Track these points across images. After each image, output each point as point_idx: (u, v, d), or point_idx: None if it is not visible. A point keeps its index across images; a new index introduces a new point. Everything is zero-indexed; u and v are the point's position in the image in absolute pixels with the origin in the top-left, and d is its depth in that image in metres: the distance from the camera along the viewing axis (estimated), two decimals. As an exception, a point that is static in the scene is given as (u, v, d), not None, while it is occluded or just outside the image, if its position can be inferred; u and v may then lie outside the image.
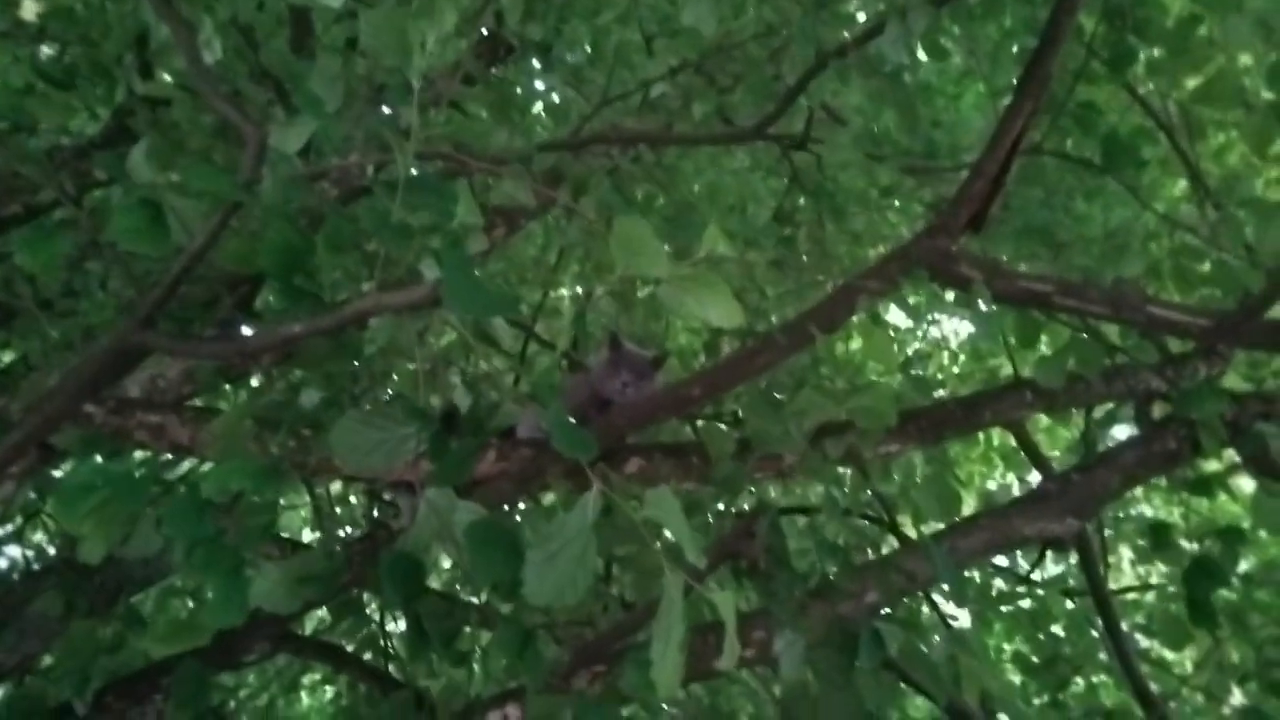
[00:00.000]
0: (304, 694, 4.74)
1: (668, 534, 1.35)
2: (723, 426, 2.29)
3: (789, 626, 1.72)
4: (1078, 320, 2.65)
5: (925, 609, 3.25)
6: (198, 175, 1.52)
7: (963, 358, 6.37)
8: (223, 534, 1.29)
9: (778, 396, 2.42)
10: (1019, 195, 2.68)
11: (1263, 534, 3.39)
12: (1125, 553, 4.62)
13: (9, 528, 2.68)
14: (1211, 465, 2.44)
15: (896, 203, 3.25)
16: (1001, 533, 2.45)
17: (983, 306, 2.10)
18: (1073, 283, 2.38)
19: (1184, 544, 2.43)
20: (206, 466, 2.77)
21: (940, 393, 5.39)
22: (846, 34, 2.53)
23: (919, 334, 5.78)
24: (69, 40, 2.22)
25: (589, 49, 3.71)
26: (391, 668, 3.11)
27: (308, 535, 4.57)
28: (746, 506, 2.31)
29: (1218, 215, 2.43)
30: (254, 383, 2.25)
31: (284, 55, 1.93)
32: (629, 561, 2.15)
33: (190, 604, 2.44)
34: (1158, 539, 2.32)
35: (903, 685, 2.15)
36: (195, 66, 1.76)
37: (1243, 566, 2.81)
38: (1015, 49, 2.99)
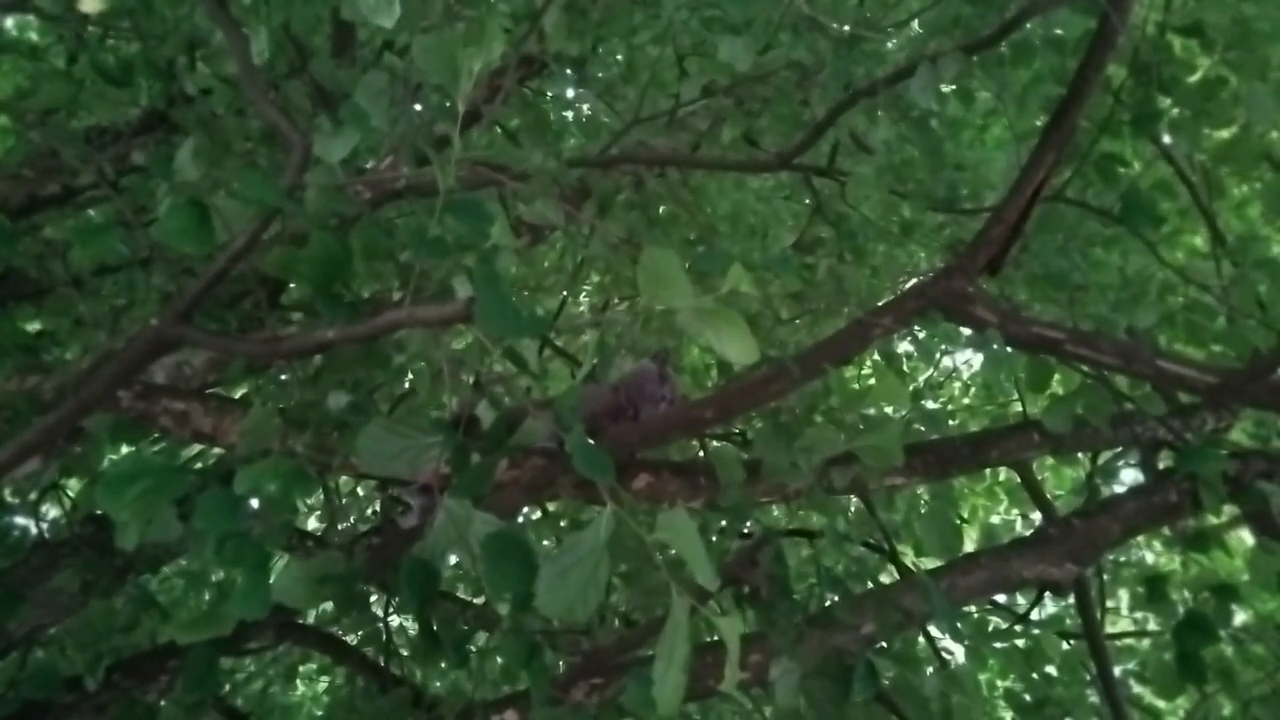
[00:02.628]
0: (300, 682, 4.79)
1: (674, 554, 1.40)
2: (732, 448, 2.33)
3: (786, 654, 1.76)
4: (1088, 367, 2.69)
5: (922, 641, 3.28)
6: (245, 181, 1.58)
7: (974, 389, 6.39)
8: (250, 529, 1.34)
9: (786, 423, 2.46)
10: (1038, 241, 2.72)
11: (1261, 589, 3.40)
12: (1125, 595, 4.64)
13: (30, 498, 2.74)
14: (1218, 517, 2.47)
15: (916, 239, 3.29)
16: (1001, 573, 2.49)
17: (995, 349, 2.14)
18: (1085, 332, 2.43)
19: (1180, 595, 2.46)
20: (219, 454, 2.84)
21: (950, 423, 5.43)
22: (878, 72, 2.58)
23: (932, 364, 5.81)
24: (127, 38, 2.30)
25: (623, 66, 3.77)
26: (390, 664, 3.17)
27: (312, 523, 4.63)
28: (750, 531, 2.36)
29: (1233, 274, 2.47)
30: (282, 377, 2.31)
31: (331, 66, 2.00)
32: (632, 578, 2.19)
33: (209, 593, 2.51)
34: (1152, 590, 2.35)
35: (894, 718, 2.19)
36: (246, 72, 1.82)
37: (1240, 619, 2.84)
38: (1043, 94, 3.04)
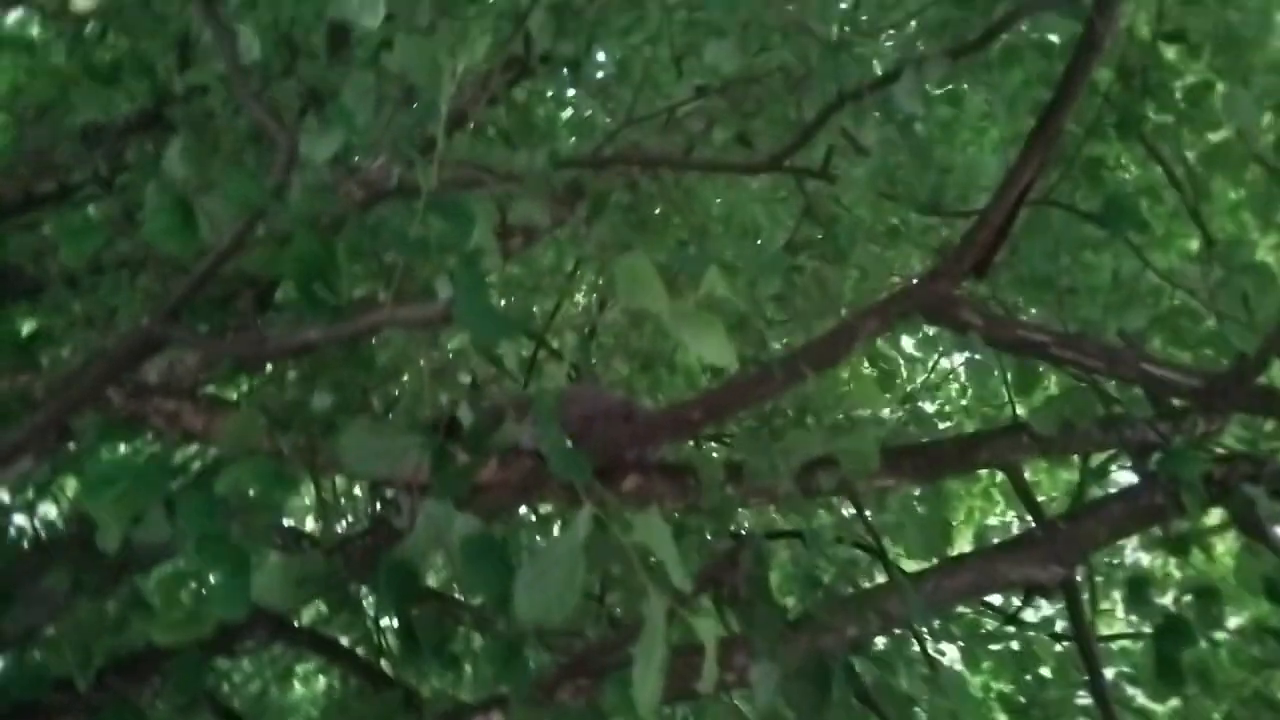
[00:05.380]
0: (297, 683, 4.80)
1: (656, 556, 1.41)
2: (714, 455, 2.34)
3: (766, 656, 1.77)
4: (1074, 369, 2.70)
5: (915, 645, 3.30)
6: (231, 179, 1.59)
7: (970, 391, 6.40)
8: (230, 529, 1.35)
9: (776, 425, 2.47)
10: (1026, 244, 2.73)
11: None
12: (1119, 597, 4.65)
13: (24, 497, 2.76)
14: (1198, 521, 2.48)
15: (904, 241, 3.30)
16: (986, 575, 2.49)
17: (977, 355, 2.15)
18: (1070, 335, 2.44)
19: (1164, 599, 2.47)
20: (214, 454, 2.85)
21: (946, 425, 5.43)
22: (866, 75, 2.60)
23: (928, 365, 5.81)
24: (115, 34, 2.31)
25: (616, 66, 3.79)
26: (384, 664, 3.18)
27: (310, 523, 4.64)
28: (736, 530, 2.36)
29: (1219, 277, 2.48)
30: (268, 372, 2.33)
31: (322, 66, 2.01)
32: (619, 580, 2.20)
33: (194, 591, 2.51)
34: (1133, 592, 2.36)
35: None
36: (234, 72, 1.84)
37: (1235, 622, 2.84)
38: (1031, 98, 3.05)
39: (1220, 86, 2.40)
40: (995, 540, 5.59)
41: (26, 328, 2.93)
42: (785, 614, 2.00)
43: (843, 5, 2.87)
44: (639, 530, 1.33)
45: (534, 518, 3.61)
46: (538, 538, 3.43)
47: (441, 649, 1.60)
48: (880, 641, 2.65)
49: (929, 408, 5.76)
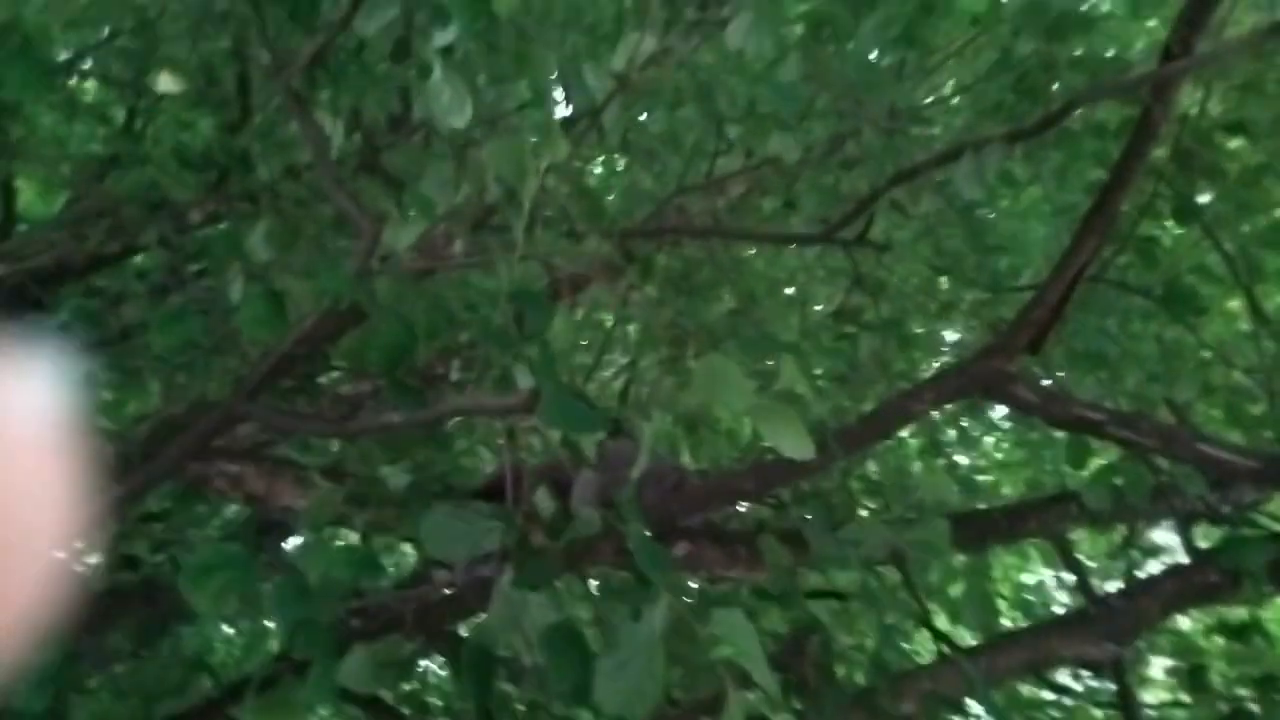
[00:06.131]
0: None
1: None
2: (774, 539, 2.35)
3: (834, 743, 1.79)
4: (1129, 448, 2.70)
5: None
6: (321, 271, 1.66)
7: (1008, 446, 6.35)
8: (320, 615, 1.40)
9: (832, 502, 2.50)
10: (1076, 319, 2.76)
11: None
12: (1159, 660, 4.59)
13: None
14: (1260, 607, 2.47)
15: (956, 315, 3.33)
16: (1040, 652, 2.49)
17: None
18: (1126, 414, 2.45)
19: (1221, 680, 2.46)
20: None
21: (981, 478, 5.38)
22: (921, 152, 2.65)
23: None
24: (206, 121, 2.42)
25: (665, 133, 3.87)
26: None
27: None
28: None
29: (1274, 354, 2.49)
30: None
31: (404, 158, 2.09)
32: (677, 657, 2.22)
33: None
34: (1194, 680, 2.35)
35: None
36: (323, 163, 1.91)
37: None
38: (1080, 170, 3.09)
39: (1275, 167, 2.43)
40: (1034, 600, 5.54)
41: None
42: (846, 694, 2.01)
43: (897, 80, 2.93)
44: (718, 625, 1.36)
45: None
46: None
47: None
48: None
49: (963, 460, 5.72)
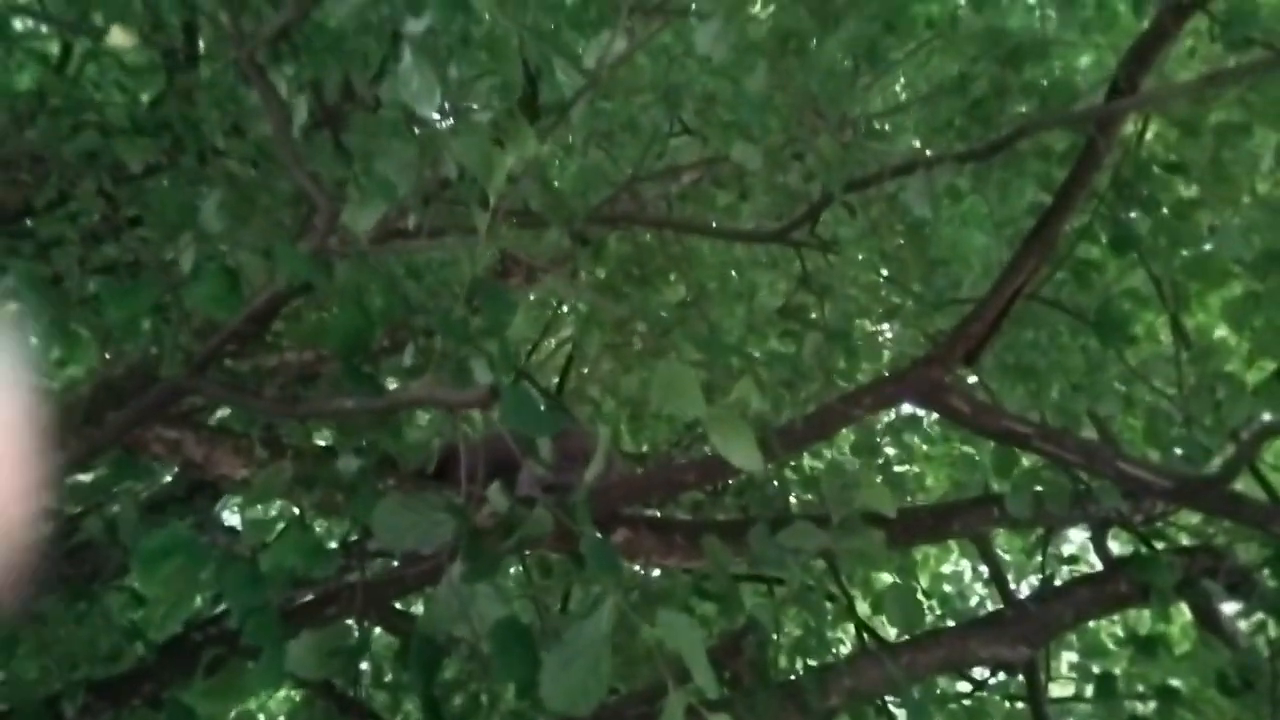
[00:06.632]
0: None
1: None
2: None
3: (763, 738, 1.86)
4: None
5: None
6: (281, 252, 1.65)
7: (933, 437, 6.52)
8: (272, 601, 1.41)
9: (765, 493, 2.56)
10: (1010, 333, 2.86)
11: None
12: (1067, 656, 4.81)
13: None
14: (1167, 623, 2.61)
15: (898, 321, 3.42)
16: (958, 652, 2.61)
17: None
18: (1053, 430, 2.56)
19: (1127, 687, 2.59)
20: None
21: (903, 468, 5.52)
22: (875, 163, 2.71)
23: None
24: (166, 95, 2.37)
25: (624, 118, 3.87)
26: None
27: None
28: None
29: (1192, 384, 2.62)
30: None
31: (364, 134, 2.07)
32: (617, 648, 2.27)
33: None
34: (1101, 688, 2.49)
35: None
36: (282, 138, 1.89)
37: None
38: (1022, 188, 3.19)
39: (1205, 208, 2.55)
40: (953, 592, 5.71)
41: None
42: (778, 692, 2.08)
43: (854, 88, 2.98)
44: (664, 629, 1.41)
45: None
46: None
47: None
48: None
49: (890, 450, 5.86)
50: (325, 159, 2.04)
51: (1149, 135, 2.53)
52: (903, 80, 3.85)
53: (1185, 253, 2.61)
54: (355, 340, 1.69)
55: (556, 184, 3.73)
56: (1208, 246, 2.54)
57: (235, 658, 1.86)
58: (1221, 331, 3.46)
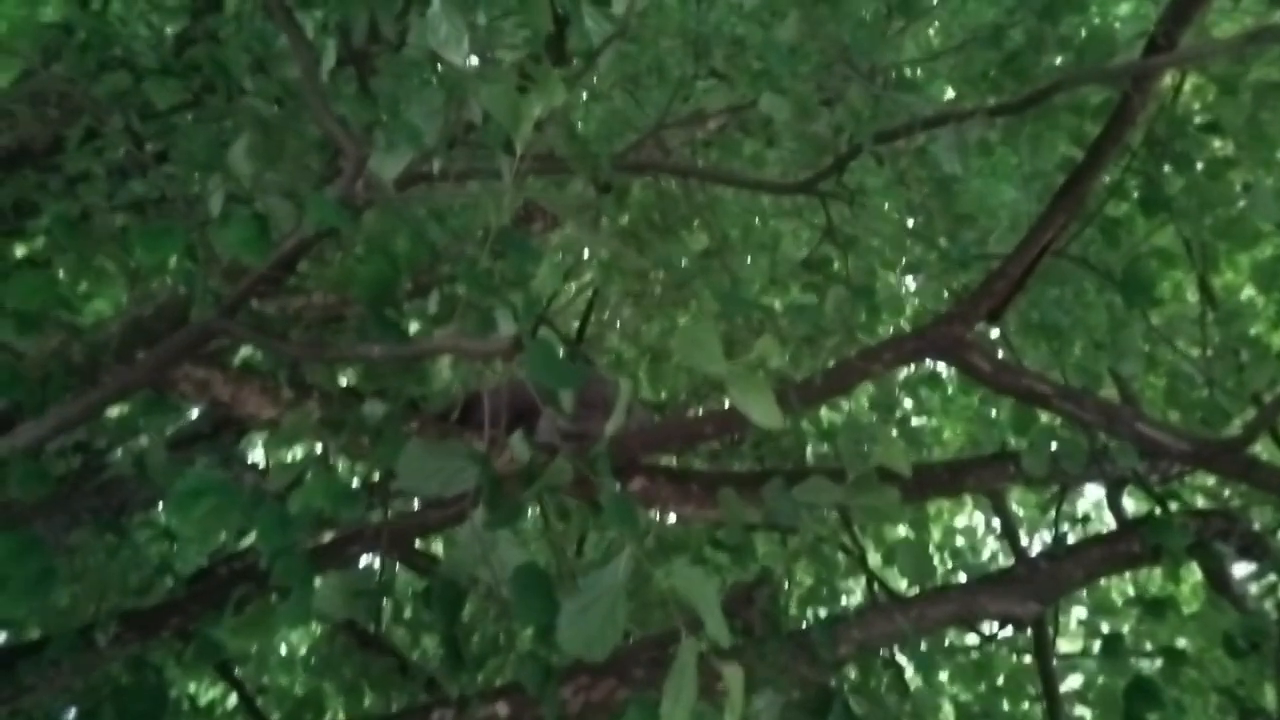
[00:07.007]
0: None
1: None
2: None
3: (771, 686, 1.90)
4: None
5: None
6: (310, 200, 1.66)
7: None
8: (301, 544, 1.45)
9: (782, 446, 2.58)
10: (1035, 290, 2.84)
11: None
12: (1076, 611, 4.86)
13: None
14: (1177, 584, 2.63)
15: (921, 276, 3.40)
16: (968, 607, 2.64)
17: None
18: (1072, 390, 2.56)
19: (1134, 646, 2.62)
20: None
21: (919, 420, 5.53)
22: (905, 116, 2.67)
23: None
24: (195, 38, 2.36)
25: (651, 63, 3.82)
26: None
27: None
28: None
29: (1217, 346, 2.61)
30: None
31: (392, 82, 2.06)
32: (632, 594, 2.32)
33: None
34: (1108, 647, 2.51)
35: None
36: (310, 84, 1.89)
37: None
38: (1054, 142, 3.14)
39: (1239, 167, 2.51)
40: (961, 543, 5.74)
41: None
42: (790, 643, 2.13)
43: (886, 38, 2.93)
44: (679, 579, 1.44)
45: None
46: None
47: (482, 664, 1.71)
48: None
49: (908, 403, 5.86)
50: (351, 103, 2.03)
51: (1185, 91, 2.48)
52: (936, 25, 3.77)
53: (1217, 212, 2.58)
54: (382, 289, 1.70)
55: (581, 129, 3.72)
56: (1240, 204, 2.50)
57: (262, 595, 1.91)
58: (1249, 292, 3.42)
